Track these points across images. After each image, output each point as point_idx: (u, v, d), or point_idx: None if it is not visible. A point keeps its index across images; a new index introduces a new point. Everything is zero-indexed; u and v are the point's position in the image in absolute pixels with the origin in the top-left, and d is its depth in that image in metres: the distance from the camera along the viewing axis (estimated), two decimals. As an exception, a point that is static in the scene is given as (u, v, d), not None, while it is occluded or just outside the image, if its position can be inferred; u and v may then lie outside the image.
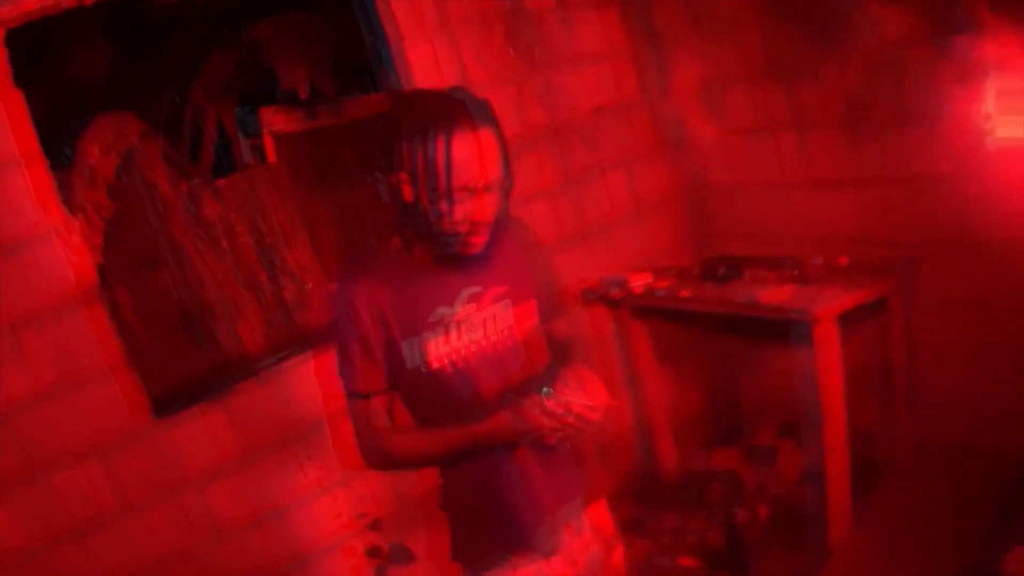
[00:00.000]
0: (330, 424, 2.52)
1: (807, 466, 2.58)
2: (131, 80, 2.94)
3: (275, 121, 3.14)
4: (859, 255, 2.52)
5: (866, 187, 2.54)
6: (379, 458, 1.52)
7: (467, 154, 1.32)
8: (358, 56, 2.94)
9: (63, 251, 2.22)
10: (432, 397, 1.50)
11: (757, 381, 3.22)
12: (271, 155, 3.12)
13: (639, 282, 2.83)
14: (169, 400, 2.43)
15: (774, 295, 2.42)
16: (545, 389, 1.35)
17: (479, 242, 1.42)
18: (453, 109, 1.34)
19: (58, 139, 2.47)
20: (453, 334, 1.47)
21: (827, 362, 2.36)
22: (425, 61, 2.69)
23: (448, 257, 1.45)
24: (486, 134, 1.35)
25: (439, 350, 1.47)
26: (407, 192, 1.38)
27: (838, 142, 2.58)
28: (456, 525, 1.62)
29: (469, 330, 1.49)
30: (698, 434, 3.26)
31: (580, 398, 1.35)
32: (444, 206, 1.35)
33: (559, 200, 2.96)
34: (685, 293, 2.70)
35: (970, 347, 2.40)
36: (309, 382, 2.53)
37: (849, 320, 2.37)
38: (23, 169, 2.13)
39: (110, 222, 2.56)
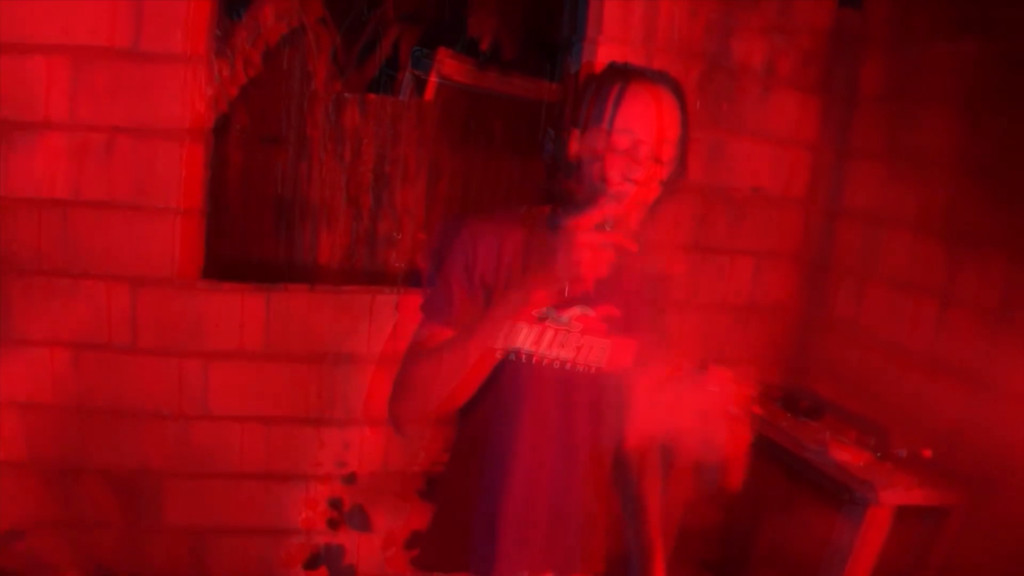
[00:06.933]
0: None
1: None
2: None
3: (447, 65, 3.10)
4: (944, 453, 2.29)
5: (984, 391, 2.28)
6: (402, 384, 1.35)
7: (639, 102, 1.28)
8: (548, 38, 2.85)
9: (191, 81, 2.20)
10: (488, 379, 1.34)
11: (777, 529, 2.93)
12: (429, 94, 3.08)
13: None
14: (221, 267, 2.40)
15: (846, 454, 2.18)
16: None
17: (626, 210, 1.27)
18: (640, 70, 1.32)
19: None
20: (547, 335, 1.37)
21: (867, 547, 2.16)
22: (613, 68, 2.57)
23: None
24: (667, 98, 1.30)
25: (523, 341, 1.36)
26: (573, 148, 1.34)
27: (980, 330, 2.32)
28: (437, 520, 1.53)
29: (562, 341, 1.38)
30: (693, 552, 3.00)
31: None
32: (601, 149, 1.28)
33: (679, 259, 2.77)
34: (757, 410, 2.47)
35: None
36: (357, 320, 2.45)
37: (903, 512, 2.17)
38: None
39: (251, 82, 2.55)
